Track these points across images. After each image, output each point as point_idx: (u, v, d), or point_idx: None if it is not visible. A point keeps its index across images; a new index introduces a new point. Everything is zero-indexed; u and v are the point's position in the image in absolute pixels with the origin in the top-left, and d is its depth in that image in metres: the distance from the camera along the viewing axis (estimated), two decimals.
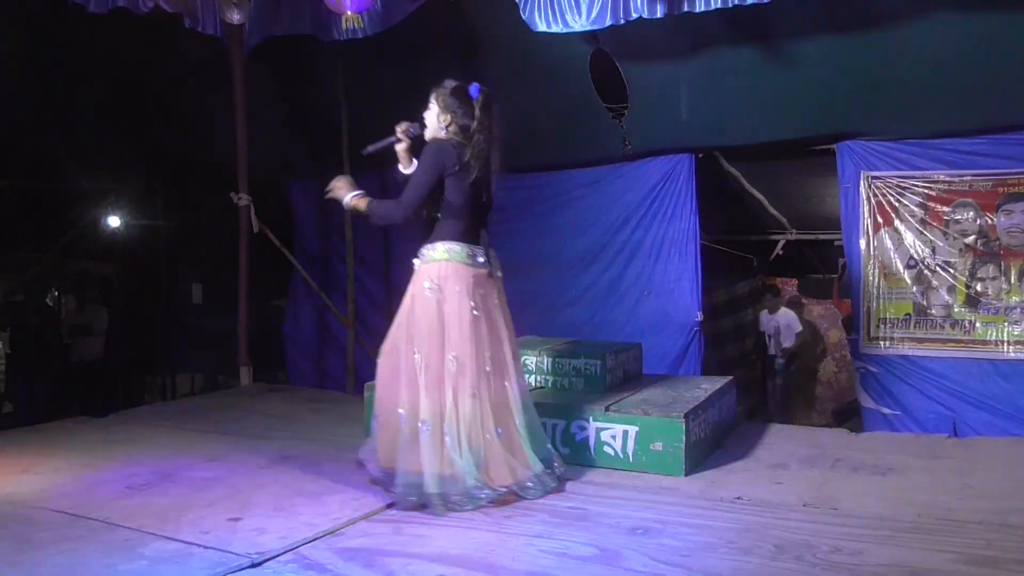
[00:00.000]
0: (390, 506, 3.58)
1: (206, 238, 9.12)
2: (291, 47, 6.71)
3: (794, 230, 8.81)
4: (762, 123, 6.07)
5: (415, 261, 3.79)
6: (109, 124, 7.31)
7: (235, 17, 6.31)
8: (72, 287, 9.78)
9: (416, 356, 3.64)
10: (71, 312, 9.10)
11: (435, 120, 3.81)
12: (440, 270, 3.69)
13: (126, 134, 7.53)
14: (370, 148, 3.94)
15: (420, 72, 6.83)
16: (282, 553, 3.04)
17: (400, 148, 3.91)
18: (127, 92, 7.15)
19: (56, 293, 10.00)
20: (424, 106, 3.89)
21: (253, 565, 2.92)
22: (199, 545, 3.09)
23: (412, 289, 3.74)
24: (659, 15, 4.93)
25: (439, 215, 3.76)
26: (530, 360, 4.94)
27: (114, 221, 8.94)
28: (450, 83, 3.82)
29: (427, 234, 3.78)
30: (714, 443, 4.59)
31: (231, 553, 3.01)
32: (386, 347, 3.82)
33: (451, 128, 3.78)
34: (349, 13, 5.56)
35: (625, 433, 4.18)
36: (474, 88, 3.78)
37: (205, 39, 6.37)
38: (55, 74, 6.53)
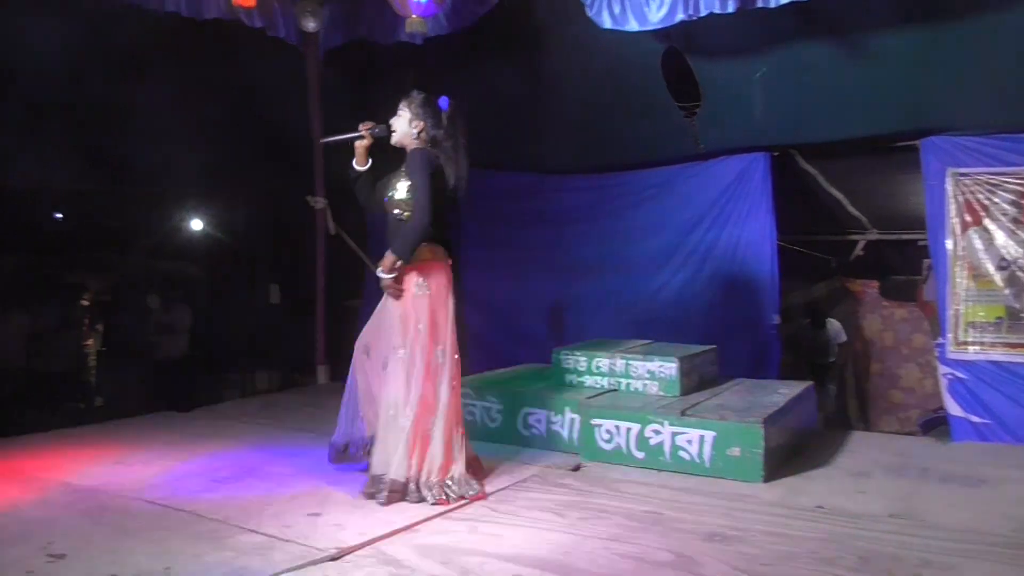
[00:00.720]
0: (467, 501, 3.61)
1: (284, 240, 9.35)
2: (364, 53, 6.83)
3: (875, 230, 8.54)
4: (841, 119, 5.89)
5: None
6: (189, 129, 7.55)
7: (311, 24, 6.48)
8: (158, 287, 10.13)
9: (401, 352, 3.82)
10: (157, 311, 9.43)
11: (406, 126, 4.01)
12: (426, 269, 3.90)
13: (204, 139, 7.76)
14: (330, 139, 4.16)
15: (487, 74, 6.94)
16: (361, 548, 3.10)
17: (361, 145, 4.07)
18: (207, 98, 7.38)
19: (143, 293, 10.37)
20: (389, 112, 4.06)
21: (333, 559, 2.99)
22: (281, 538, 3.18)
23: (411, 288, 3.87)
24: (731, 10, 4.85)
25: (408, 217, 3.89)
26: (603, 362, 4.92)
27: (196, 224, 9.23)
28: (419, 94, 4.04)
29: (395, 236, 3.91)
30: (793, 450, 4.49)
31: (312, 547, 3.08)
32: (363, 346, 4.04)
33: (422, 135, 4.00)
34: (414, 16, 5.63)
35: (701, 438, 4.13)
36: (444, 101, 4.03)
37: (279, 49, 6.55)
38: (140, 80, 6.77)
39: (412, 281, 3.87)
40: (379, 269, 3.86)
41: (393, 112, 4.08)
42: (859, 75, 5.55)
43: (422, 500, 3.65)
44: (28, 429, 5.44)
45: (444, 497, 3.66)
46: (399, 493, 3.67)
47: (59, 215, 8.97)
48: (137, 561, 2.94)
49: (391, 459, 3.73)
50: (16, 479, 4.04)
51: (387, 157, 4.16)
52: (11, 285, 8.63)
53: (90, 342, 9.23)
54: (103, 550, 3.05)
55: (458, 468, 3.79)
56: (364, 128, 4.04)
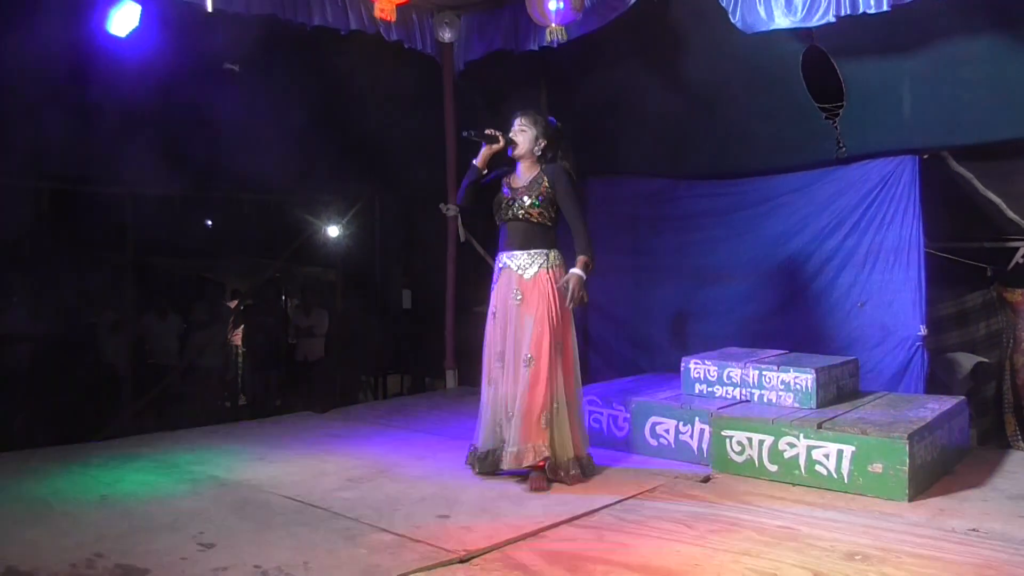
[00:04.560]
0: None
1: (417, 247, 9.61)
2: (495, 64, 6.93)
3: None
4: (1003, 118, 5.46)
5: (532, 268, 4.17)
6: (326, 140, 7.88)
7: (447, 35, 6.66)
8: (298, 292, 10.63)
9: (567, 348, 4.20)
10: (296, 315, 9.90)
11: (531, 142, 4.27)
12: (562, 272, 4.21)
13: (345, 150, 8.08)
14: (472, 134, 4.31)
15: (619, 80, 6.89)
16: (488, 552, 3.12)
17: (492, 149, 4.29)
18: (344, 109, 7.69)
19: (284, 297, 10.91)
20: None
21: (461, 561, 3.03)
22: (411, 538, 3.25)
23: (548, 290, 4.11)
24: (886, 8, 4.63)
25: (545, 224, 4.19)
26: (735, 372, 4.78)
27: (333, 231, 9.63)
28: (539, 114, 4.35)
29: (529, 241, 4.19)
30: (942, 468, 4.22)
31: (441, 548, 3.13)
32: (540, 349, 4.08)
33: (545, 152, 4.27)
34: (553, 25, 5.67)
35: (840, 452, 3.94)
36: (552, 120, 4.37)
37: (414, 60, 6.75)
38: (284, 95, 7.13)
39: (556, 281, 4.14)
40: (576, 271, 4.08)
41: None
42: (1022, 69, 5.16)
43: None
44: (182, 424, 5.83)
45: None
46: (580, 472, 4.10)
47: (209, 222, 9.58)
48: (278, 554, 3.07)
49: (569, 444, 4.09)
50: (171, 471, 4.32)
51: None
52: (165, 286, 9.27)
53: (236, 343, 9.78)
54: (248, 542, 3.22)
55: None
56: (499, 134, 4.26)
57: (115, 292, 8.38)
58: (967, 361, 7.65)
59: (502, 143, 4.24)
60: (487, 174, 4.34)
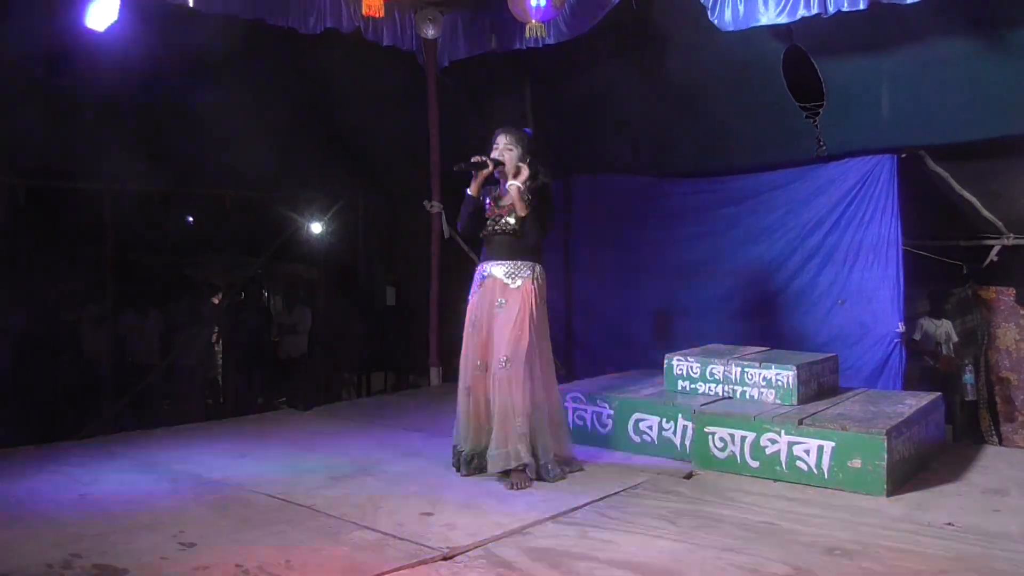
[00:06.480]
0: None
1: (400, 244, 9.58)
2: (478, 62, 6.93)
3: (1012, 234, 8.03)
4: (978, 118, 5.56)
5: (518, 279, 4.19)
6: (308, 138, 7.84)
7: (430, 32, 6.64)
8: (281, 289, 10.57)
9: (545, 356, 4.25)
10: (280, 312, 9.85)
11: (516, 160, 4.26)
12: (544, 286, 4.30)
13: (328, 147, 8.04)
14: (463, 166, 4.30)
15: (603, 79, 6.90)
16: (472, 548, 3.13)
17: (484, 174, 4.29)
18: (330, 108, 7.65)
19: (267, 294, 10.83)
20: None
21: (445, 558, 3.03)
22: (395, 536, 3.25)
23: (531, 300, 4.16)
24: (862, 6, 4.67)
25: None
26: (717, 369, 4.81)
27: (316, 228, 9.57)
28: (519, 130, 4.38)
29: (516, 253, 4.24)
30: (919, 463, 4.27)
31: (424, 546, 3.14)
32: (517, 351, 4.08)
33: (529, 168, 4.27)
34: (533, 22, 5.67)
35: (820, 448, 3.98)
36: (528, 132, 4.42)
37: (397, 57, 6.73)
38: (266, 91, 7.09)
39: (543, 295, 4.24)
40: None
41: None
42: (1001, 71, 5.22)
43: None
44: (162, 422, 5.78)
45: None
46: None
47: (190, 218, 9.49)
48: (260, 552, 3.06)
49: (550, 444, 4.13)
50: (151, 470, 4.28)
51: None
52: (146, 284, 9.18)
53: (216, 340, 9.69)
54: (229, 540, 3.20)
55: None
56: (487, 159, 4.26)
57: (94, 290, 8.28)
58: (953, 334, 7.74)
59: (491, 167, 4.26)
60: (483, 199, 4.35)
